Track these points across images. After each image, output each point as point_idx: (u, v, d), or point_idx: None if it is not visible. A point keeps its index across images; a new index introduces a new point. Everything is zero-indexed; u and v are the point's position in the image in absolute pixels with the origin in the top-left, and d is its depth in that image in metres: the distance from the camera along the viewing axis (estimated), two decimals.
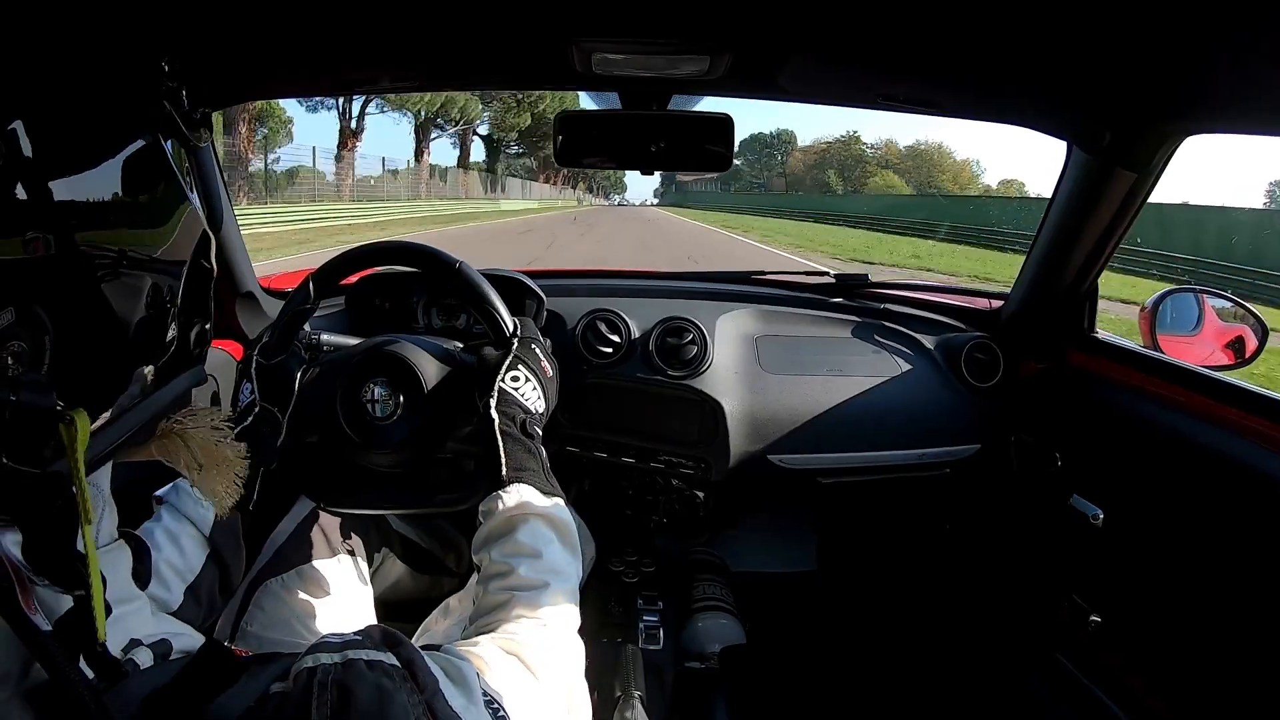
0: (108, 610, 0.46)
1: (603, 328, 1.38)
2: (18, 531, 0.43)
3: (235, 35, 0.88)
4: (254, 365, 0.93)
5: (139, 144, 0.46)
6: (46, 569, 0.43)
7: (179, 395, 0.62)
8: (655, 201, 79.25)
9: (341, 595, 1.03)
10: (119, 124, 0.46)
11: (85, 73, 0.42)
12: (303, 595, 1.00)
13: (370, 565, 1.14)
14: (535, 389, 0.88)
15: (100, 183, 0.45)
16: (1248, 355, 1.25)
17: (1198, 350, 1.27)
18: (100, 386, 0.48)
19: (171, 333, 0.53)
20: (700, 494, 1.52)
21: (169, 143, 0.46)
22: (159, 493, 0.81)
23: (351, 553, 1.09)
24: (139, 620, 0.62)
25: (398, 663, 0.47)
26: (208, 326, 0.57)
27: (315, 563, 1.03)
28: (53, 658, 0.40)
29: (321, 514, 1.07)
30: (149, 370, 0.52)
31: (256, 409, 0.89)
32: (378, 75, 1.15)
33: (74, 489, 0.43)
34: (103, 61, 0.44)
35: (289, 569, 1.01)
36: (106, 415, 0.48)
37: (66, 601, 0.45)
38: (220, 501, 0.77)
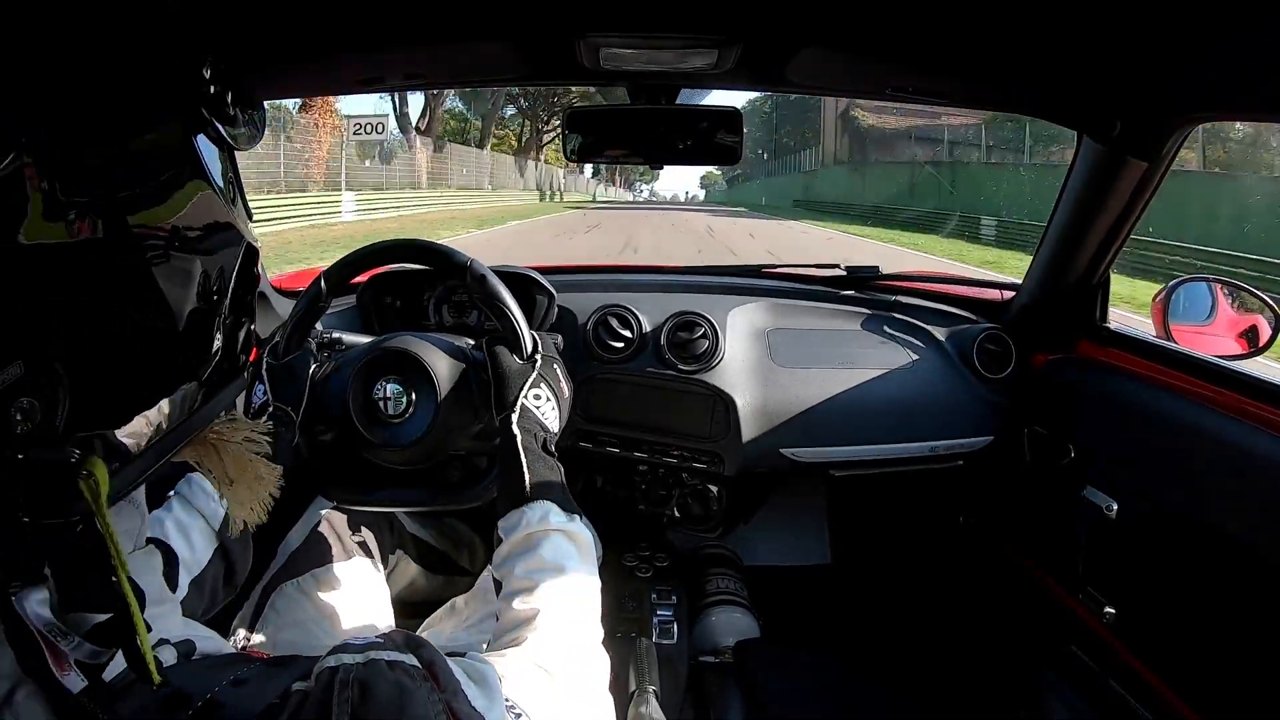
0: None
1: (614, 323, 1.38)
2: (42, 589, 0.40)
3: (242, 33, 0.88)
4: (265, 366, 0.94)
5: (177, 138, 0.45)
6: (85, 607, 0.42)
7: (225, 408, 0.61)
8: (700, 196, 51.26)
9: (356, 597, 1.04)
10: (155, 118, 0.46)
11: (110, 71, 0.42)
12: (318, 598, 1.00)
13: (384, 567, 1.14)
14: (554, 408, 0.89)
15: (134, 178, 0.43)
16: (1261, 344, 1.23)
17: (1211, 340, 1.26)
18: (137, 411, 0.44)
19: (217, 342, 0.51)
20: (713, 488, 1.52)
21: (204, 142, 0.46)
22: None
23: (366, 554, 1.09)
24: (168, 623, 0.63)
25: (419, 664, 0.48)
26: (253, 327, 0.57)
27: (329, 565, 1.04)
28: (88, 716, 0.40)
29: (334, 516, 1.08)
30: (193, 385, 0.50)
31: (270, 409, 0.90)
32: (386, 74, 1.15)
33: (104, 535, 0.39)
34: (132, 60, 0.44)
35: (303, 572, 1.02)
36: (145, 440, 0.45)
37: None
38: (242, 517, 0.74)
